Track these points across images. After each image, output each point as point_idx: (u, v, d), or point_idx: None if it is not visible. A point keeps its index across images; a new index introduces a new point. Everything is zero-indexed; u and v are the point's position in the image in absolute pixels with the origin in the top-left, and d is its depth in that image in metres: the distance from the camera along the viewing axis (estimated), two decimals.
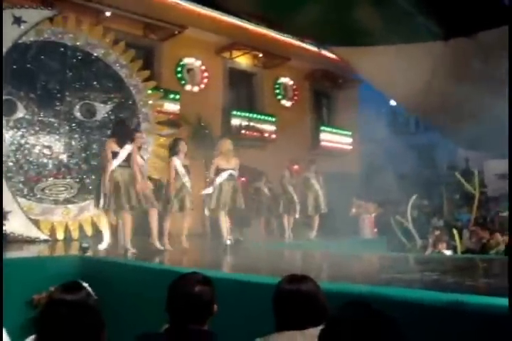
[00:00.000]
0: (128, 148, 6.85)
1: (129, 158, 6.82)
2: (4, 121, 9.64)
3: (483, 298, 2.67)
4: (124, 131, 7.33)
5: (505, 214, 10.27)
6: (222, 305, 2.39)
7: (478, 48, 9.31)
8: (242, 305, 3.09)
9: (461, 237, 9.49)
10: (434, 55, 9.97)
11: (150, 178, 11.16)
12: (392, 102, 19.11)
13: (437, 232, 9.45)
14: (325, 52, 15.95)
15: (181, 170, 7.54)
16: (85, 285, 2.09)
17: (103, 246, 7.17)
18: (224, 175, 7.84)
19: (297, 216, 10.61)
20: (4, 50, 9.49)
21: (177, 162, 7.55)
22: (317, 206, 10.52)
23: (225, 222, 7.60)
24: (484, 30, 9.07)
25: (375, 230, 12.12)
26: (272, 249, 8.19)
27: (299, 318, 2.07)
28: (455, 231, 9.40)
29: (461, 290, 3.38)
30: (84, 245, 6.26)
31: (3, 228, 9.02)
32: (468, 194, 11.80)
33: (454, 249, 9.10)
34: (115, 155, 6.78)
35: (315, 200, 10.53)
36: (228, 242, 7.22)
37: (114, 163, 6.74)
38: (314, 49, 16.19)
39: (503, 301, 2.42)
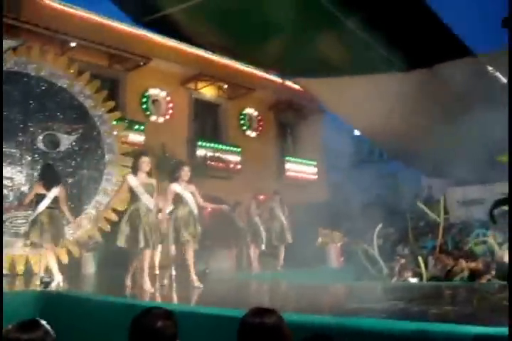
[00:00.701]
0: (55, 191, 7.20)
1: (56, 200, 7.22)
2: None
3: (448, 325, 2.68)
4: (51, 174, 7.63)
5: (475, 241, 10.37)
6: (188, 338, 2.33)
7: (435, 79, 9.61)
8: (209, 338, 3.03)
9: (426, 265, 9.56)
10: (395, 85, 10.22)
11: (114, 210, 11.05)
12: (357, 132, 19.44)
13: (403, 260, 9.51)
14: (289, 83, 16.20)
15: (186, 196, 6.85)
16: (44, 322, 2.01)
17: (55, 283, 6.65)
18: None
19: (263, 247, 10.56)
20: None
21: (177, 188, 6.89)
22: (282, 236, 10.52)
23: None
24: (441, 63, 9.38)
25: (342, 259, 12.13)
26: (238, 281, 8.09)
27: None
28: (420, 259, 9.47)
29: (427, 318, 3.39)
30: (46, 279, 6.08)
31: None
32: (431, 221, 11.95)
33: (420, 276, 9.15)
34: (42, 197, 7.16)
35: (280, 231, 10.54)
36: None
37: (41, 206, 7.10)
38: (278, 80, 16.44)
39: (468, 328, 2.43)
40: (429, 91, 10.02)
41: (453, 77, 9.06)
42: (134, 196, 6.45)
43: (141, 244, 6.18)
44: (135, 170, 6.64)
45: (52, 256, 7.19)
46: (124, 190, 6.64)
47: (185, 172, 7.02)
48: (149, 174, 6.66)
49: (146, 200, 6.42)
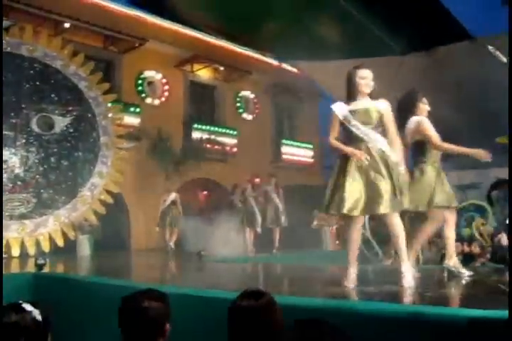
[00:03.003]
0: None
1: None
2: None
3: (444, 308, 2.67)
4: None
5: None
6: (182, 321, 2.31)
7: (434, 63, 9.54)
8: (201, 321, 3.02)
9: (421, 248, 9.56)
10: (393, 69, 10.16)
11: (109, 192, 11.03)
12: None
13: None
14: (286, 66, 16.07)
15: None
16: (30, 306, 1.98)
17: None
18: None
19: (259, 229, 10.59)
20: None
21: None
22: (277, 219, 10.54)
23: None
24: (439, 46, 9.31)
25: (337, 242, 12.15)
26: (232, 263, 8.10)
27: (253, 334, 2.01)
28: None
29: (421, 301, 3.39)
30: (40, 261, 6.07)
31: None
32: None
33: (416, 259, 9.16)
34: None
35: (275, 213, 10.56)
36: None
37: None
38: (275, 62, 16.30)
39: (463, 311, 2.42)
40: (428, 75, 9.96)
41: (452, 61, 9.00)
42: None
43: None
44: None
45: None
46: None
47: None
48: None
49: None
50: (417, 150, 4.69)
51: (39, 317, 1.94)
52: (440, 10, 8.73)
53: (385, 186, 3.85)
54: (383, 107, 4.17)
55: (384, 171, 3.90)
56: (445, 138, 4.63)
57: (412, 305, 2.73)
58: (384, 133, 4.07)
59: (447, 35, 8.87)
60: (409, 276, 3.87)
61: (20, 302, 2.00)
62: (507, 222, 7.04)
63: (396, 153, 4.01)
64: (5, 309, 1.96)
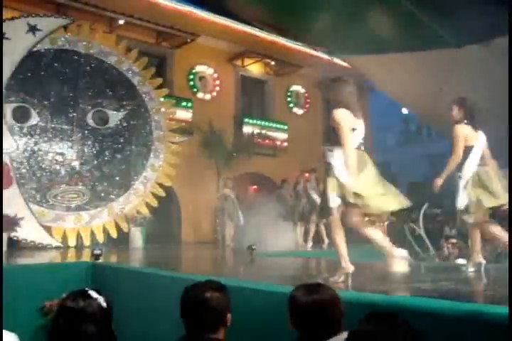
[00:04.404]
0: None
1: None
2: (18, 128, 9.71)
3: (502, 308, 2.61)
4: None
5: None
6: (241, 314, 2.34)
7: (491, 55, 9.26)
8: (258, 314, 3.05)
9: None
10: (446, 62, 9.93)
11: (161, 185, 11.23)
12: (404, 110, 19.04)
13: (454, 240, 9.35)
14: (337, 61, 15.92)
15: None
16: (96, 293, 2.06)
17: None
18: None
19: (312, 224, 10.55)
20: (19, 57, 9.59)
21: None
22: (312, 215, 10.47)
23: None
24: (497, 37, 9.03)
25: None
26: (285, 257, 8.12)
27: (318, 328, 2.03)
28: (469, 241, 9.28)
29: (479, 299, 3.33)
30: (97, 252, 6.25)
31: (16, 234, 9.06)
32: None
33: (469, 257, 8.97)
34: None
35: (310, 209, 10.48)
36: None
37: None
38: (326, 57, 16.17)
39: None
40: (483, 67, 9.69)
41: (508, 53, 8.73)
42: None
43: None
44: None
45: None
46: None
47: None
48: None
49: None
50: None
51: (104, 304, 2.02)
52: (496, 0, 8.47)
53: None
54: None
55: None
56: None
57: (471, 303, 2.68)
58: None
59: (504, 26, 8.60)
60: None
61: (86, 289, 2.08)
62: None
63: None
64: (72, 295, 2.04)
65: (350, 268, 4.14)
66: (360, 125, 4.41)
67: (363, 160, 4.20)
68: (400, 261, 4.18)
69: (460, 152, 5.03)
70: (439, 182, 5.09)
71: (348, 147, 4.13)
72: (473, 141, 5.07)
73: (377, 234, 4.37)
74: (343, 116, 4.29)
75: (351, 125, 4.30)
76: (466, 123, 5.11)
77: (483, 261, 5.03)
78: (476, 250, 5.10)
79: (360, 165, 4.10)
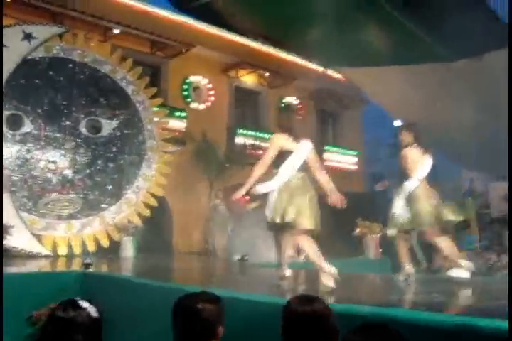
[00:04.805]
0: None
1: None
2: (10, 136, 9.68)
3: (492, 320, 2.61)
4: None
5: None
6: (232, 324, 2.33)
7: (483, 70, 9.35)
8: (250, 325, 3.04)
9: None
10: (440, 75, 10.01)
11: (153, 195, 11.20)
12: (396, 123, 19.14)
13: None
14: (331, 72, 16.01)
15: None
16: (86, 303, 2.04)
17: None
18: None
19: None
20: (13, 65, 9.58)
21: None
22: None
23: None
24: (489, 52, 9.13)
25: (380, 251, 12.02)
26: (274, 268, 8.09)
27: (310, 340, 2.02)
28: (462, 254, 9.30)
29: (470, 312, 3.33)
30: (87, 261, 6.23)
31: (6, 242, 8.99)
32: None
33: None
34: None
35: None
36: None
37: None
38: (319, 69, 16.27)
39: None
40: (475, 81, 9.78)
41: (501, 67, 8.82)
42: None
43: None
44: None
45: None
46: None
47: None
48: None
49: None
50: None
51: (95, 315, 2.00)
52: (489, 16, 8.58)
53: None
54: None
55: None
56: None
57: (461, 316, 2.69)
58: None
59: (497, 41, 8.70)
60: None
61: (76, 298, 2.06)
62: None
63: None
64: (62, 305, 2.02)
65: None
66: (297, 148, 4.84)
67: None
68: (327, 276, 4.38)
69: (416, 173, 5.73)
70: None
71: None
72: (421, 163, 5.76)
73: (310, 249, 4.72)
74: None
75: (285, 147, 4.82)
76: (414, 147, 5.84)
77: (412, 271, 5.62)
78: (403, 261, 5.65)
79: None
